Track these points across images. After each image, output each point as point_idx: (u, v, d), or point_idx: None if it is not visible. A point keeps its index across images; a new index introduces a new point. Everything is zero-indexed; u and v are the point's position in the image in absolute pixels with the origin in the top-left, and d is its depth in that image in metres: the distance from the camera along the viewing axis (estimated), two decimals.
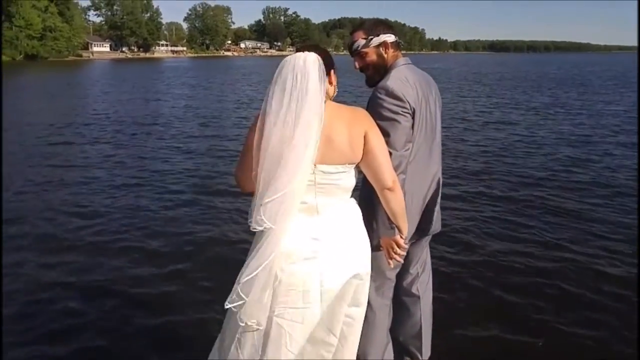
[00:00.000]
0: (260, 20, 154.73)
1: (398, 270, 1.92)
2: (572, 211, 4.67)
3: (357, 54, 1.80)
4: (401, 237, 1.61)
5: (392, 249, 1.62)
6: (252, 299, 1.40)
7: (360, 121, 1.50)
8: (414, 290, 2.01)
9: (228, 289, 1.49)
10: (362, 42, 1.77)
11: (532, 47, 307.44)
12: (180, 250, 3.77)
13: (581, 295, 3.03)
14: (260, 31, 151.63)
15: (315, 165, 1.43)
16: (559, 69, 39.77)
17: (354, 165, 1.52)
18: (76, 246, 3.84)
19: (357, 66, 1.81)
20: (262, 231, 1.42)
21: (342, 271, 1.49)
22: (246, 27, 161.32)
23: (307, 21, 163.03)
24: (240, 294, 1.41)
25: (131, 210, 4.79)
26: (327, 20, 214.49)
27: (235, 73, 35.23)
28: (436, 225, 1.92)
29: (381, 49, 1.78)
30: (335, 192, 1.51)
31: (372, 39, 1.76)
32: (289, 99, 1.36)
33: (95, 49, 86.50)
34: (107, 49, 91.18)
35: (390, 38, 1.78)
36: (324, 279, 1.45)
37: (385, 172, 1.50)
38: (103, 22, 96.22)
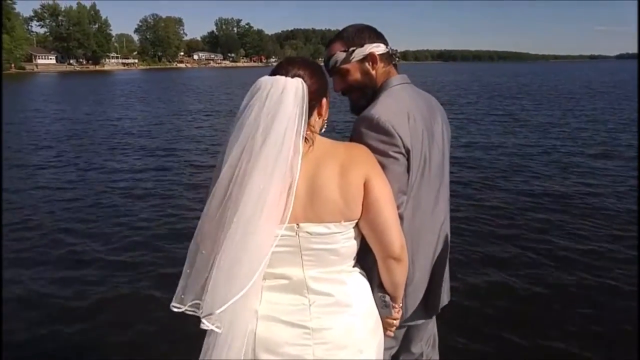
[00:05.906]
0: (213, 32, 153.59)
1: (393, 351, 1.51)
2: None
3: (335, 71, 1.40)
4: (395, 309, 1.26)
5: (388, 329, 1.28)
6: None
7: (359, 162, 1.12)
8: None
9: None
10: (341, 55, 1.37)
11: (477, 56, 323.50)
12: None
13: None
14: (213, 42, 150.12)
15: (297, 224, 1.09)
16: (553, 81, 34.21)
17: (353, 223, 1.14)
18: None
19: (338, 88, 1.43)
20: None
21: None
22: (199, 38, 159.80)
23: (260, 32, 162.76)
24: None
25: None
26: (280, 32, 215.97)
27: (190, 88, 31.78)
28: (445, 297, 1.49)
29: (367, 64, 1.38)
30: (331, 260, 1.13)
31: (354, 50, 1.36)
32: (254, 130, 1.03)
33: (39, 61, 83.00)
34: (53, 61, 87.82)
35: (378, 48, 1.38)
36: None
37: (393, 234, 1.13)
38: (47, 34, 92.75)
